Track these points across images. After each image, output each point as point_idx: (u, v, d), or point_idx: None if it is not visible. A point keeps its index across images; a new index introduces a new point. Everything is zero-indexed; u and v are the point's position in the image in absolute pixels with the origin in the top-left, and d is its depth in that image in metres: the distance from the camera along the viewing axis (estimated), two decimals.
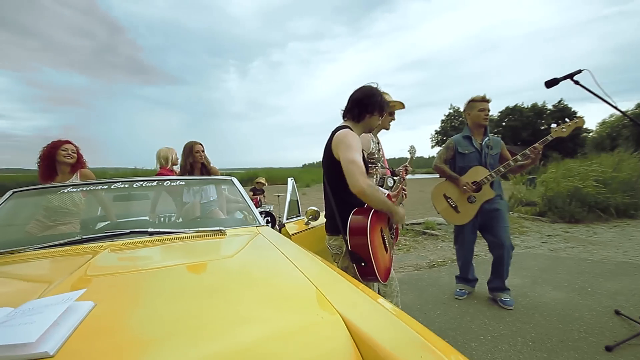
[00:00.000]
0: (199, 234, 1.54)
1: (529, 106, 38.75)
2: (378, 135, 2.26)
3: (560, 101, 37.80)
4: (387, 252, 1.57)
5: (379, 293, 1.70)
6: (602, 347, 1.93)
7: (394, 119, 2.24)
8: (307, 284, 0.91)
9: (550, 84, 1.99)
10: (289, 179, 2.79)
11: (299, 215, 2.67)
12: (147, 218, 2.50)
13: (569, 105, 37.66)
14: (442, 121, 46.90)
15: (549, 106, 38.21)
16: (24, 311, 0.66)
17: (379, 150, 2.18)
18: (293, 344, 0.64)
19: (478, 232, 2.76)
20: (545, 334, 2.13)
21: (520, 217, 6.63)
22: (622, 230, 5.44)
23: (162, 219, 2.57)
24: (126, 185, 1.93)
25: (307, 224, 2.36)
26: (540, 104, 38.32)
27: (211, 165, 2.78)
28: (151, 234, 1.50)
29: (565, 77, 1.93)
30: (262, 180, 6.46)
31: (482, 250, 4.00)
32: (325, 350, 0.65)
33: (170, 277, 1.01)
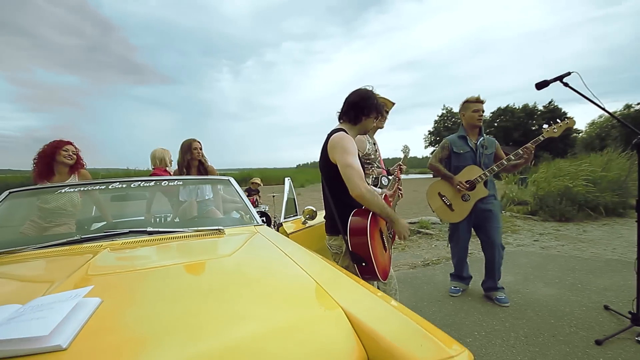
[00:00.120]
0: (197, 233, 1.55)
1: (520, 107, 39.29)
2: (375, 136, 2.29)
3: (550, 102, 38.42)
4: (386, 252, 1.60)
5: None
6: (592, 341, 1.99)
7: (386, 118, 2.28)
8: (308, 280, 0.94)
9: (541, 85, 2.04)
10: (286, 179, 2.81)
11: (296, 215, 2.69)
12: (143, 218, 2.49)
13: (559, 106, 38.32)
14: (435, 122, 47.28)
15: (540, 107, 38.80)
16: (33, 307, 0.67)
17: (376, 151, 2.21)
18: (298, 338, 0.67)
19: (472, 230, 2.81)
20: (537, 329, 2.19)
21: (512, 216, 6.74)
22: (611, 228, 5.57)
23: (158, 219, 2.57)
24: (124, 185, 1.93)
25: (304, 223, 2.38)
26: (531, 104, 38.88)
27: (208, 164, 2.79)
28: (150, 233, 1.50)
29: (555, 79, 1.98)
30: (258, 180, 6.44)
31: (475, 249, 4.06)
32: (329, 342, 0.67)
33: (172, 275, 1.02)
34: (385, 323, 0.71)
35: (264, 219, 2.30)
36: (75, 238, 1.40)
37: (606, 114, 2.14)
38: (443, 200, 2.70)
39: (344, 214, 1.52)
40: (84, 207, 2.31)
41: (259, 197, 6.26)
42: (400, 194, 2.00)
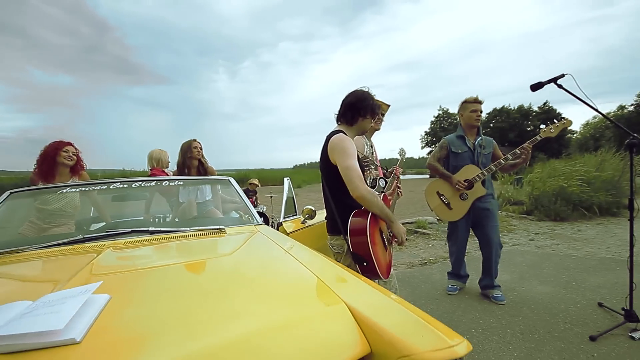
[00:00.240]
0: (199, 232, 1.57)
1: (516, 108, 39.60)
2: (372, 138, 2.32)
3: (545, 103, 38.78)
4: (386, 250, 1.63)
5: None
6: (586, 337, 2.03)
7: (382, 120, 2.31)
8: (311, 277, 0.96)
9: (535, 87, 2.08)
10: (285, 179, 2.83)
11: (295, 214, 2.71)
12: (142, 218, 2.50)
13: (554, 107, 38.69)
14: (432, 122, 47.52)
15: (535, 108, 39.16)
16: (45, 303, 0.69)
17: (372, 153, 2.24)
18: (303, 332, 0.69)
19: (470, 229, 2.85)
20: (533, 325, 2.22)
21: (508, 216, 6.80)
22: (605, 227, 5.65)
23: (158, 219, 2.57)
24: (125, 185, 1.94)
25: (303, 222, 2.40)
26: (526, 105, 39.22)
27: (208, 164, 2.80)
28: (152, 232, 1.51)
29: (549, 81, 2.02)
30: (255, 181, 6.46)
31: (472, 248, 4.10)
32: (333, 336, 0.70)
33: (177, 273, 1.04)
34: (387, 316, 0.73)
35: (262, 219, 2.32)
36: (78, 238, 1.41)
37: (600, 115, 2.19)
38: (441, 199, 2.73)
39: (345, 214, 1.55)
40: (83, 208, 2.30)
41: (257, 197, 6.27)
42: (400, 192, 2.03)
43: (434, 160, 2.81)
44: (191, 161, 2.72)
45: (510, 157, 2.51)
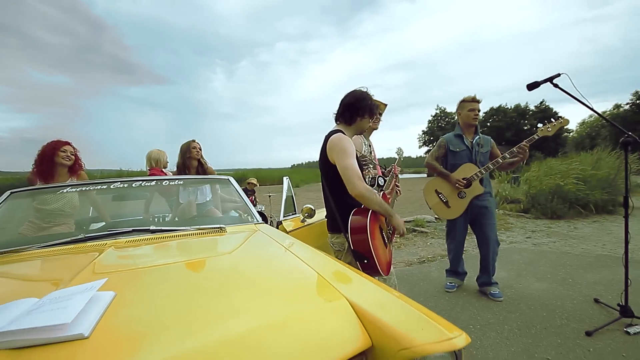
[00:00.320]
0: (199, 231, 1.58)
1: (513, 107, 39.83)
2: (370, 137, 2.34)
3: (542, 102, 39.03)
4: (386, 247, 1.65)
5: None
6: (582, 332, 2.06)
7: (380, 120, 2.33)
8: (312, 274, 0.98)
9: (532, 86, 2.10)
10: (285, 178, 2.84)
11: (295, 213, 2.73)
12: (142, 218, 2.50)
13: (551, 106, 38.94)
14: (429, 121, 47.67)
15: (532, 107, 39.37)
16: (51, 300, 0.70)
17: (371, 152, 2.25)
18: (306, 327, 0.70)
19: (469, 227, 2.87)
20: (530, 321, 2.25)
21: (505, 214, 6.85)
22: (601, 225, 5.70)
23: (157, 219, 2.57)
24: (125, 185, 1.94)
25: (303, 221, 2.42)
26: (523, 104, 39.44)
27: (208, 165, 2.80)
28: (153, 231, 1.52)
29: (545, 81, 2.05)
30: (254, 180, 6.46)
31: (470, 246, 4.13)
32: (335, 331, 0.71)
33: (179, 271, 1.05)
34: (387, 311, 0.75)
35: (261, 218, 2.33)
36: (79, 237, 1.42)
37: (596, 114, 2.21)
38: (440, 197, 2.76)
39: (345, 213, 1.56)
40: (82, 208, 2.30)
41: (255, 197, 6.27)
42: (398, 190, 2.04)
43: (433, 159, 2.83)
44: (190, 162, 2.73)
45: (508, 156, 2.54)
